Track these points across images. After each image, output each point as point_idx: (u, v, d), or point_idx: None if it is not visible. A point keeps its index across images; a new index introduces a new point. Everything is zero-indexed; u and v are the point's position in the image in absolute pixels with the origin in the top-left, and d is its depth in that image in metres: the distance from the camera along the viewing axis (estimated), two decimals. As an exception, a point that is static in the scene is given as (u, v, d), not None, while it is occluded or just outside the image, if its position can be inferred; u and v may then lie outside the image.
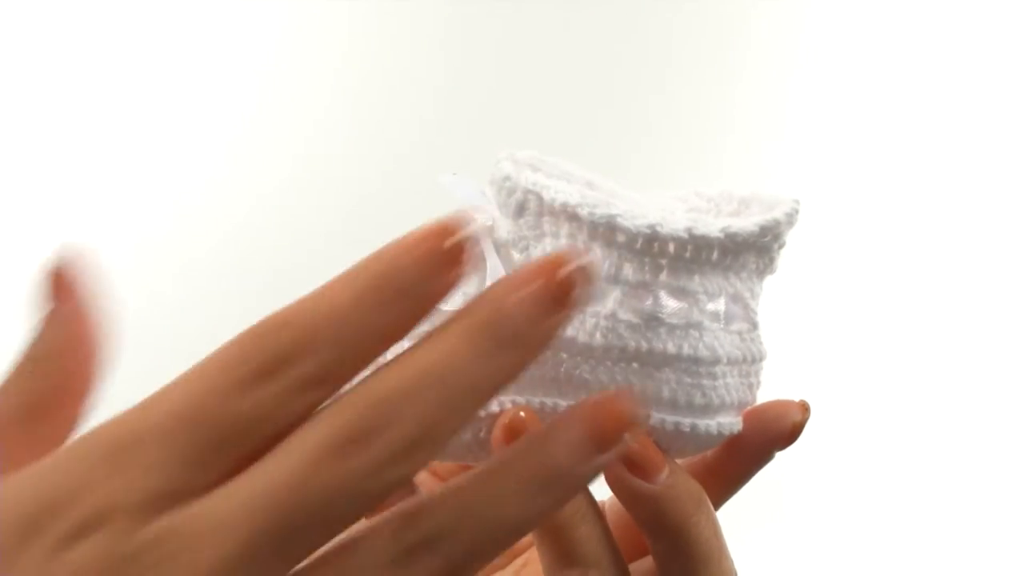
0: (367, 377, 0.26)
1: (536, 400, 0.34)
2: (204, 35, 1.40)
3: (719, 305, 0.35)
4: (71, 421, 0.30)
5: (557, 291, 0.26)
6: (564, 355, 0.34)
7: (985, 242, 1.33)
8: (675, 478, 0.33)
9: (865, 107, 1.36)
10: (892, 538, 1.17)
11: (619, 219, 0.32)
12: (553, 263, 0.26)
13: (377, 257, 0.27)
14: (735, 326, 0.35)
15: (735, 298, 0.35)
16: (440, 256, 0.26)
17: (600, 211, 0.32)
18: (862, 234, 1.33)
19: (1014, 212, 1.34)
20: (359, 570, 0.25)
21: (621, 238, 0.33)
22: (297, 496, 0.24)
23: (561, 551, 0.33)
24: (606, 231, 0.33)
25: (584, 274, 0.27)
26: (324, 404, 0.26)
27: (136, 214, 1.38)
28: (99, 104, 1.39)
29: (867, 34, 1.37)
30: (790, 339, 1.24)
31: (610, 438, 0.26)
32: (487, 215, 0.35)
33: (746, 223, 0.34)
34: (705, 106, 1.37)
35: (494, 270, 0.34)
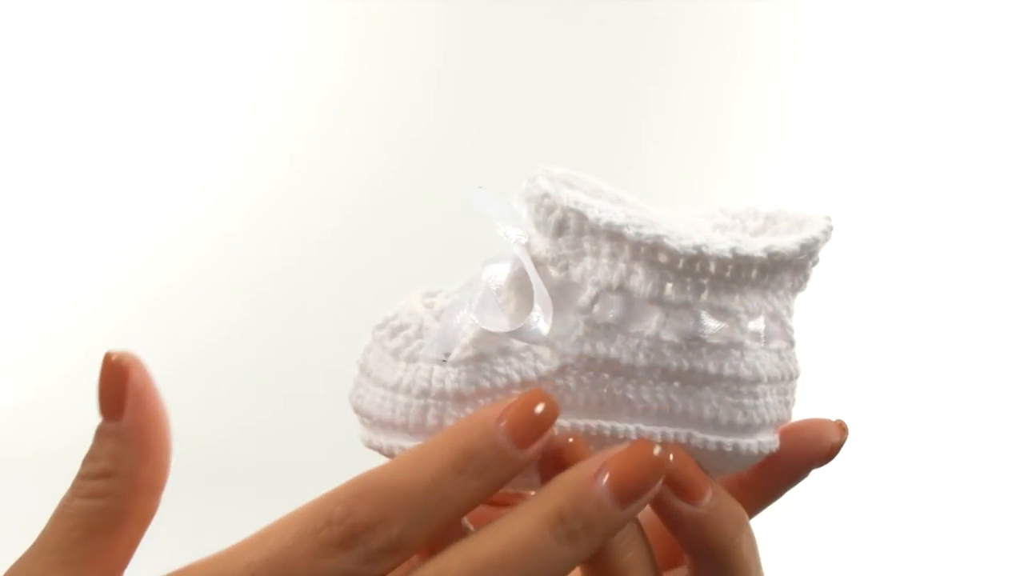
0: (453, 551, 0.29)
1: (581, 423, 0.34)
2: (204, 36, 1.40)
3: (759, 324, 0.35)
4: (133, 542, 0.31)
5: (626, 493, 0.29)
6: (607, 375, 0.34)
7: (991, 247, 1.33)
8: (719, 500, 0.33)
9: (865, 112, 1.36)
10: (899, 530, 1.17)
11: (665, 240, 0.32)
12: (627, 461, 0.30)
13: (460, 432, 0.30)
14: (774, 344, 0.35)
15: (773, 316, 0.35)
16: (520, 435, 0.29)
17: (647, 231, 0.32)
18: (861, 241, 1.33)
19: (1018, 214, 1.34)
20: None
21: (664, 258, 0.33)
22: None
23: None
24: (649, 251, 0.33)
25: (654, 479, 0.30)
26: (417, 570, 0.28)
27: (135, 214, 1.38)
28: (99, 105, 1.39)
29: (867, 38, 1.37)
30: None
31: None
32: (522, 233, 0.35)
33: (786, 242, 0.34)
34: (705, 110, 1.37)
35: (534, 289, 0.34)
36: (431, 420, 0.34)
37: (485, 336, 0.34)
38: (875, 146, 1.36)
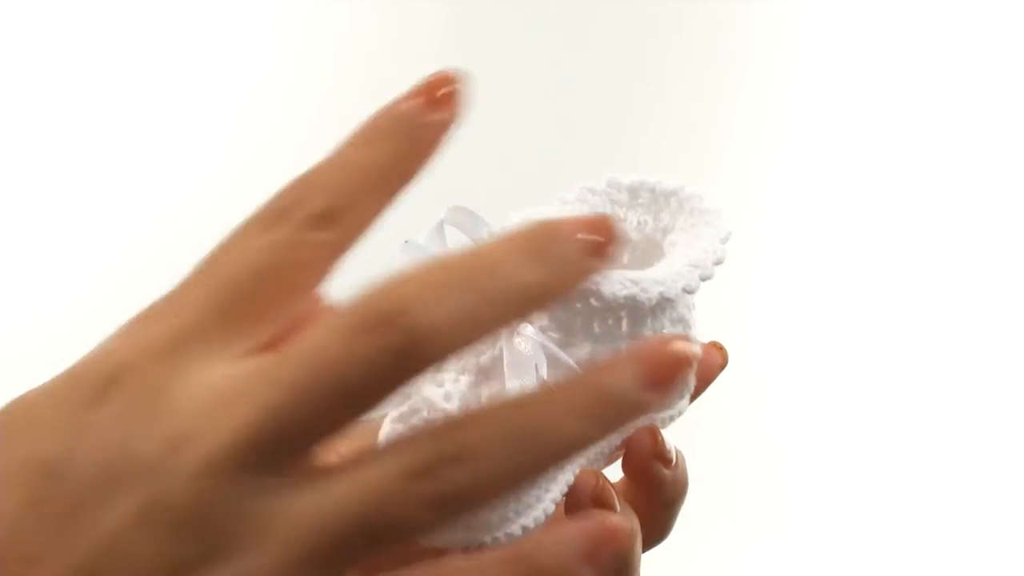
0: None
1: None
2: (202, 35, 1.41)
3: (694, 310, 0.41)
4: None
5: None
6: None
7: (987, 246, 1.32)
8: (682, 465, 0.40)
9: (864, 113, 1.36)
10: (895, 549, 1.17)
11: (664, 293, 0.37)
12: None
13: (377, 112, 0.32)
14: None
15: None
16: (430, 102, 0.33)
17: (653, 292, 0.37)
18: (857, 239, 1.33)
19: (1015, 218, 1.33)
20: (373, 481, 0.26)
21: (647, 304, 0.37)
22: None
23: None
24: (651, 306, 0.37)
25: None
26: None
27: (136, 214, 1.39)
28: (97, 104, 1.39)
29: (867, 40, 1.36)
30: (793, 350, 1.24)
31: (666, 378, 0.27)
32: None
33: (715, 253, 0.38)
34: (703, 111, 1.37)
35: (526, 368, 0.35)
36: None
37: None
38: (875, 146, 1.36)
